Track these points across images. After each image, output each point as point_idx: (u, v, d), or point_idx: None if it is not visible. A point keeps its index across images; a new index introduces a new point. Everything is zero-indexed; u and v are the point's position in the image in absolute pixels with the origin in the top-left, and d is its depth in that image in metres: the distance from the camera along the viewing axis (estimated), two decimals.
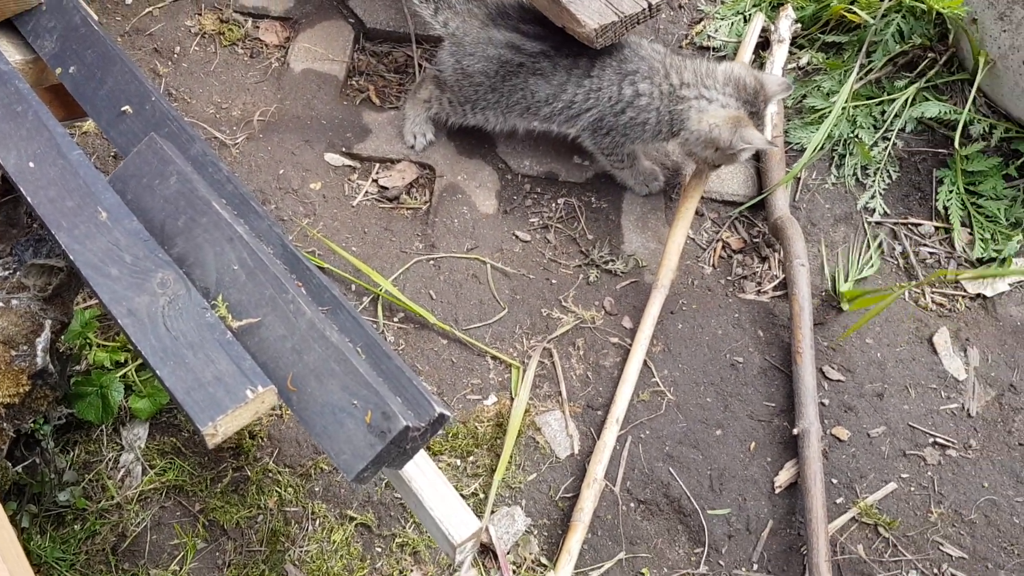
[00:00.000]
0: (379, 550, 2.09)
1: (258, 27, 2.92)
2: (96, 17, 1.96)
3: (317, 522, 2.11)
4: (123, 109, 1.83)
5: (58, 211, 1.61)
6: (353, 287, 2.44)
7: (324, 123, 2.72)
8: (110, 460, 2.15)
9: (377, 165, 2.69)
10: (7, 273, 1.81)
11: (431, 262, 2.51)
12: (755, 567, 2.12)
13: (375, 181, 2.66)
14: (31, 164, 1.67)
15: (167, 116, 1.81)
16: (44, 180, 1.65)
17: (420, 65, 2.89)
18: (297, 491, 2.13)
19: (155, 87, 1.86)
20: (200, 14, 2.91)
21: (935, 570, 2.13)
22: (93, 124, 2.65)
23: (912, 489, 2.22)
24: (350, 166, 2.68)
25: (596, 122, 2.43)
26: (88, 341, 2.19)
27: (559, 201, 2.65)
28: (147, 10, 2.89)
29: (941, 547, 2.15)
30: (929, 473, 2.24)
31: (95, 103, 1.87)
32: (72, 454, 2.13)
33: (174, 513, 2.11)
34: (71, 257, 1.56)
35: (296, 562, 2.05)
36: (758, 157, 2.68)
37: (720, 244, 2.61)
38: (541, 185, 2.68)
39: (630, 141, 2.46)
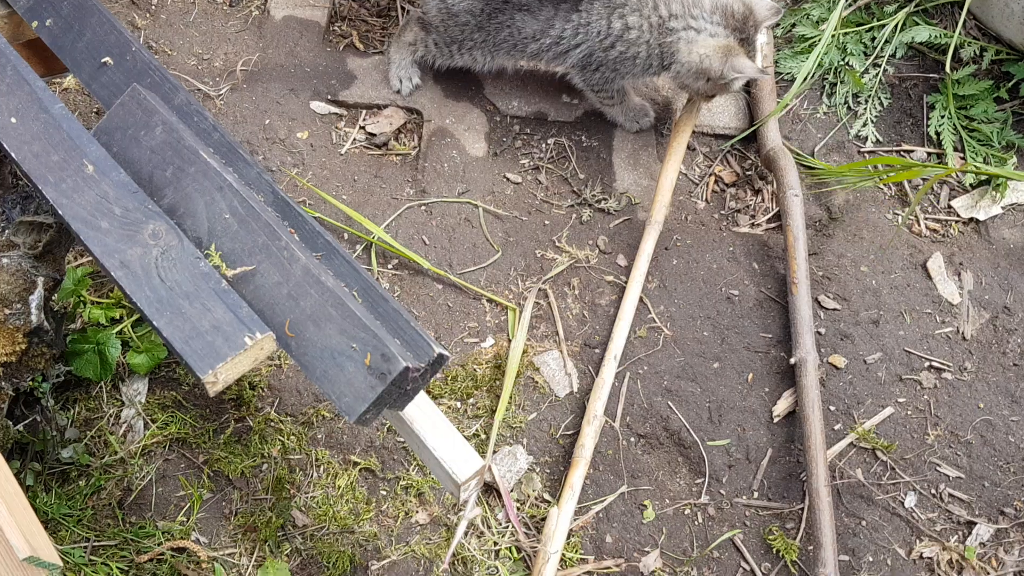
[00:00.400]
0: (384, 493, 2.11)
1: None
2: None
3: (321, 468, 2.12)
4: (103, 61, 1.80)
5: (44, 166, 1.59)
6: (346, 235, 2.43)
7: (308, 71, 2.68)
8: (111, 416, 2.15)
9: (364, 111, 2.66)
10: None
11: (423, 207, 2.49)
12: (756, 495, 2.15)
13: (362, 128, 2.63)
14: (13, 120, 1.64)
15: (149, 66, 1.78)
16: (27, 135, 1.63)
17: (403, 8, 2.84)
18: (300, 439, 2.15)
19: (134, 37, 1.82)
20: None
21: (933, 491, 2.16)
22: (73, 81, 2.62)
23: (909, 413, 2.24)
24: (336, 113, 2.64)
25: (585, 58, 2.40)
26: (82, 299, 2.18)
27: (549, 141, 2.63)
28: None
29: (938, 468, 2.18)
30: (925, 396, 2.26)
31: (74, 56, 1.84)
32: (73, 411, 2.14)
33: (178, 465, 2.12)
34: (60, 212, 1.55)
35: (302, 508, 2.07)
36: (749, 87, 2.66)
37: (713, 178, 2.60)
38: (530, 126, 2.65)
39: (620, 76, 2.43)
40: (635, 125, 2.63)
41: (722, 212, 2.53)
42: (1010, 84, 2.65)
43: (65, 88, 2.61)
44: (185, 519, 2.06)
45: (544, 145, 2.62)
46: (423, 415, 1.65)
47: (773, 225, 2.50)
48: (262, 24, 2.75)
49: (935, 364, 2.31)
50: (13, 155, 1.61)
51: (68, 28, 1.84)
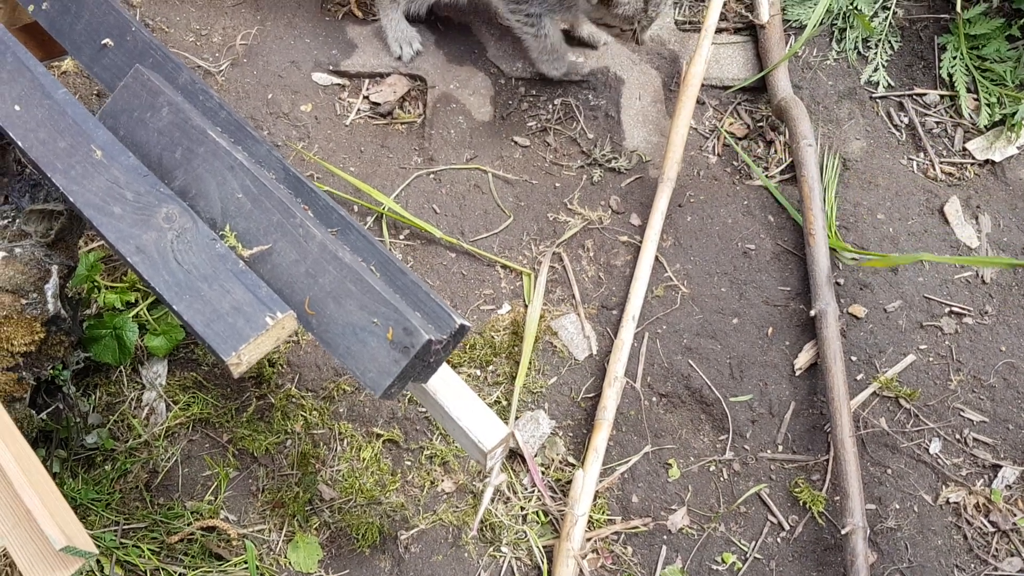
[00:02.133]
0: (408, 463, 2.11)
1: None
2: None
3: (345, 442, 2.13)
4: (104, 42, 1.77)
5: (51, 153, 1.57)
6: (355, 208, 2.41)
7: (308, 41, 2.64)
8: (133, 400, 2.15)
9: (367, 81, 2.62)
10: (6, 222, 1.78)
11: (431, 176, 2.47)
12: (780, 448, 2.15)
13: (366, 98, 2.60)
14: (16, 107, 1.62)
15: (150, 46, 1.75)
16: (32, 122, 1.61)
17: None
18: (322, 414, 2.15)
19: (133, 17, 1.79)
20: None
21: (957, 436, 2.15)
22: (72, 63, 2.59)
23: (931, 359, 2.23)
24: (339, 84, 2.61)
25: None
26: (96, 284, 2.18)
27: (555, 102, 2.60)
28: None
29: (962, 413, 2.18)
30: (947, 342, 2.25)
31: (73, 39, 1.81)
32: (94, 397, 2.14)
33: (203, 445, 2.13)
34: (71, 199, 1.53)
35: (328, 482, 2.08)
36: (756, 36, 2.62)
37: (724, 132, 2.56)
38: (536, 87, 2.62)
39: (540, 6, 2.36)
40: (555, 69, 2.56)
41: (735, 165, 2.50)
42: (1022, 21, 2.60)
43: (64, 71, 2.58)
44: (213, 498, 2.07)
45: (551, 106, 2.59)
46: (445, 385, 1.64)
47: (787, 176, 2.48)
48: None
49: (955, 309, 2.29)
50: (20, 143, 1.59)
51: (65, 10, 1.81)
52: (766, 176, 2.45)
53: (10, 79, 1.66)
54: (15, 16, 1.94)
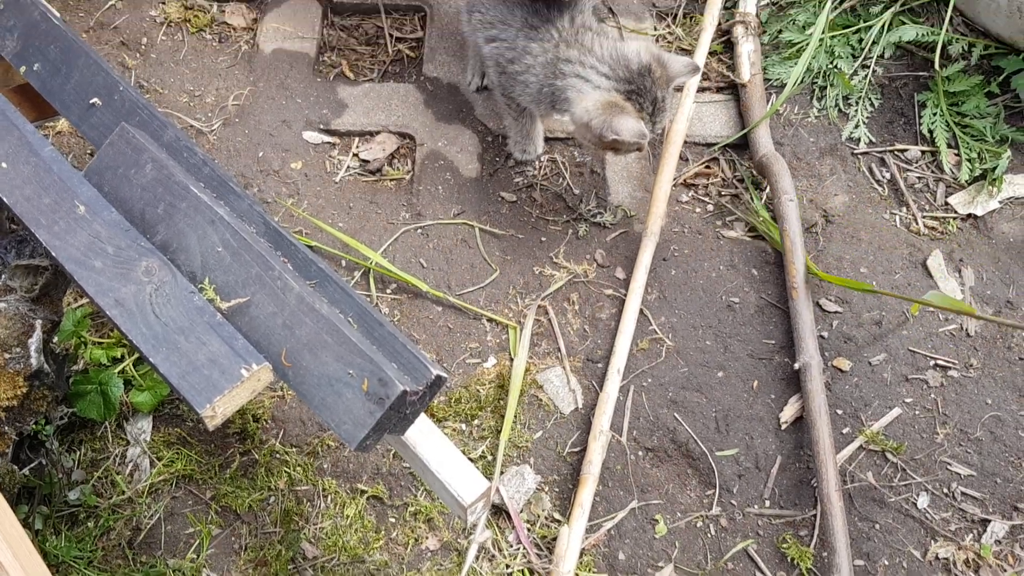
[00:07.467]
0: (392, 520, 2.09)
1: (224, 11, 2.88)
2: (57, 14, 1.94)
3: (329, 498, 2.11)
4: (92, 102, 1.81)
5: (36, 209, 1.60)
6: (343, 262, 2.43)
7: (300, 101, 2.69)
8: (117, 456, 2.15)
9: (356, 139, 2.67)
10: None
11: (419, 231, 2.50)
12: (767, 503, 2.13)
13: (356, 155, 2.64)
14: (3, 164, 1.65)
15: (137, 105, 1.79)
16: (19, 179, 1.64)
17: (391, 36, 2.86)
18: (306, 470, 2.14)
19: (122, 77, 1.84)
20: (164, 3, 2.87)
21: (945, 490, 2.14)
22: (66, 124, 2.64)
23: (917, 413, 2.23)
24: (329, 142, 2.65)
25: (499, 55, 2.31)
26: (83, 340, 2.18)
27: (542, 158, 2.63)
28: (110, 3, 2.85)
29: (949, 467, 2.16)
30: (932, 395, 2.25)
31: (63, 98, 1.85)
32: (78, 453, 2.13)
33: (186, 502, 2.11)
34: (53, 254, 1.55)
35: (312, 540, 2.06)
36: (737, 97, 2.66)
37: (707, 187, 2.59)
38: None
39: (516, 92, 2.34)
40: (521, 152, 2.59)
41: (718, 221, 2.53)
42: (1000, 78, 2.65)
43: (59, 132, 2.63)
44: (195, 556, 2.05)
45: (537, 163, 2.62)
46: (425, 439, 1.64)
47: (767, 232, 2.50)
48: (252, 58, 2.77)
49: (940, 362, 2.29)
50: (5, 200, 1.61)
51: (56, 72, 1.86)
52: (747, 229, 2.47)
53: None
54: (8, 77, 1.99)
